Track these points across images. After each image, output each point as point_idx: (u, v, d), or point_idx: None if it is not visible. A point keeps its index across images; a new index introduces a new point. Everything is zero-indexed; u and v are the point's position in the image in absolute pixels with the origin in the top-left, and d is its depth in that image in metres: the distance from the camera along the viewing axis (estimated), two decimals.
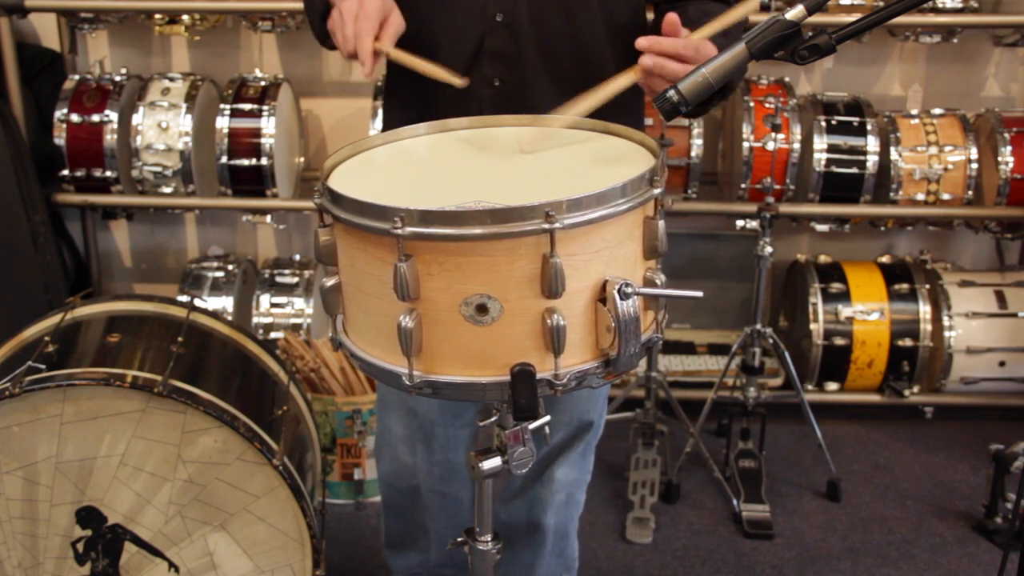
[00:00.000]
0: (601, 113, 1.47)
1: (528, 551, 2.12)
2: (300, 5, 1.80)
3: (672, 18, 1.44)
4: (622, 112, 1.50)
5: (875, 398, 3.29)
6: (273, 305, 3.29)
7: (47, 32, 3.40)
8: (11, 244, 3.09)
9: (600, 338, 1.21)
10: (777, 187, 3.12)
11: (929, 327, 3.18)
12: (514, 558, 2.16)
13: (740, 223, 3.20)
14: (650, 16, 1.82)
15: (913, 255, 3.45)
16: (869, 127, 3.14)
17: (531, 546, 2.11)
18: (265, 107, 3.15)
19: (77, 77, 3.22)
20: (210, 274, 3.34)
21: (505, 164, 1.43)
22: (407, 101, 1.79)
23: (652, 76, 1.45)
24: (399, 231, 1.13)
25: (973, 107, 3.35)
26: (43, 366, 1.80)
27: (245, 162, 3.15)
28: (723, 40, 1.52)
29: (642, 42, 1.45)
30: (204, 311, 2.16)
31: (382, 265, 1.19)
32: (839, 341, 3.20)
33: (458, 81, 1.51)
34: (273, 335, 3.21)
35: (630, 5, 1.74)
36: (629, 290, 1.17)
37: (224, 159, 3.14)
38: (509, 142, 1.48)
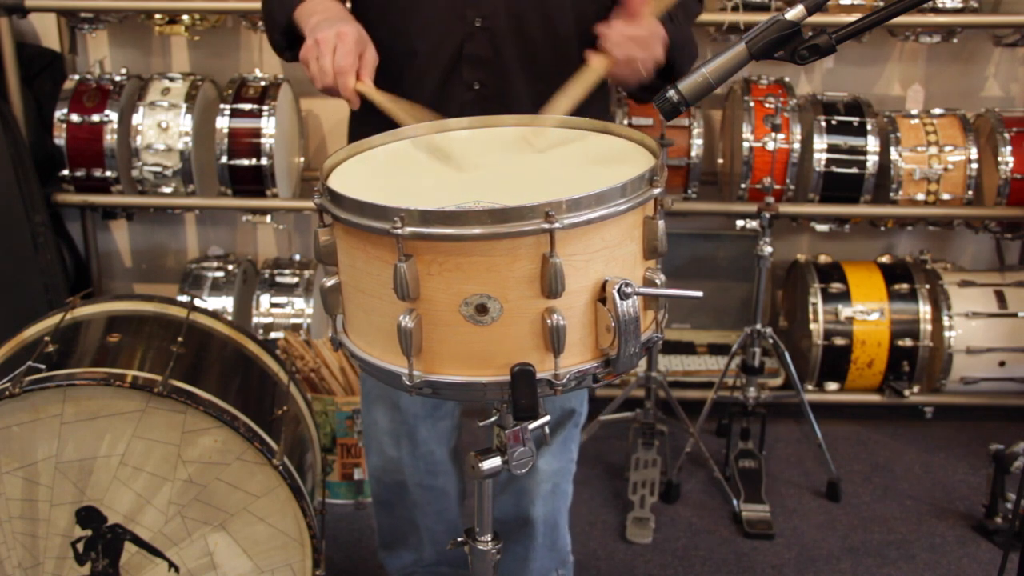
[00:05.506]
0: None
1: (520, 545, 2.13)
2: None
3: None
4: (590, 106, 1.53)
5: (875, 398, 3.29)
6: (273, 305, 3.29)
7: (47, 32, 3.40)
8: (11, 244, 3.09)
9: (600, 338, 1.21)
10: (777, 187, 3.12)
11: (929, 327, 3.18)
12: (507, 553, 2.16)
13: (740, 223, 3.20)
14: None
15: (913, 255, 3.45)
16: (869, 127, 3.14)
17: (522, 540, 2.12)
18: (265, 107, 3.15)
19: (77, 77, 3.22)
20: (210, 274, 3.34)
21: (505, 164, 1.43)
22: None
23: (619, 65, 1.51)
24: (399, 231, 1.13)
25: (973, 107, 3.35)
26: (43, 366, 1.80)
27: (245, 162, 3.15)
28: (671, 25, 1.59)
29: (603, 28, 1.51)
30: (204, 311, 2.16)
31: (382, 265, 1.19)
32: (839, 341, 3.20)
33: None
34: (273, 335, 3.21)
35: (600, 4, 1.75)
36: (629, 290, 1.17)
37: (224, 159, 3.14)
38: (509, 142, 1.48)
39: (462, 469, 2.16)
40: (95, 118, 3.14)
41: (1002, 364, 3.18)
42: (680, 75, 1.68)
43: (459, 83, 1.72)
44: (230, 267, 3.36)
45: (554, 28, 1.71)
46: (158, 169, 3.17)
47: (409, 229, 1.14)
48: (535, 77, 1.71)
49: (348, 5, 1.78)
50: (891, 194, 3.15)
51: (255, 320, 3.28)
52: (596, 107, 1.80)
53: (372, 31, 1.68)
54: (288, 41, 1.71)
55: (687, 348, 3.41)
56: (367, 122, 1.58)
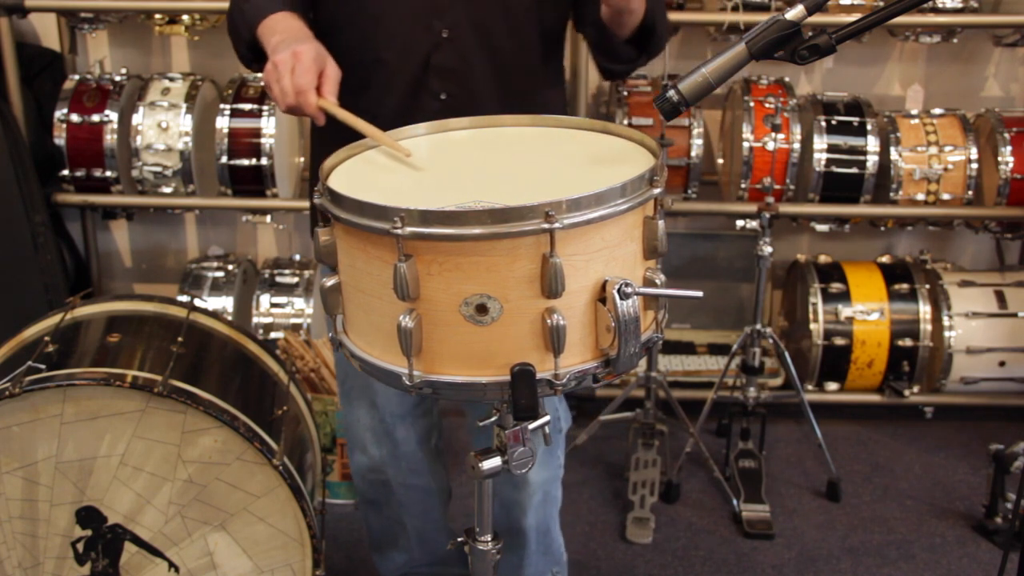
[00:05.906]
0: (526, 108, 1.53)
1: (514, 555, 2.13)
2: None
3: None
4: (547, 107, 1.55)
5: (875, 398, 3.29)
6: (273, 305, 3.29)
7: (47, 32, 3.40)
8: (11, 244, 3.09)
9: (600, 338, 1.21)
10: (777, 187, 3.12)
11: (929, 327, 3.18)
12: (500, 562, 2.16)
13: (740, 223, 3.20)
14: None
15: (913, 255, 3.46)
16: (869, 127, 3.14)
17: (516, 549, 2.12)
18: (265, 107, 3.15)
19: (77, 77, 3.22)
20: (210, 274, 3.34)
21: (505, 164, 1.43)
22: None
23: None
24: (399, 231, 1.13)
25: (973, 107, 3.35)
26: (43, 366, 1.80)
27: (245, 162, 3.15)
28: None
29: None
30: (204, 311, 2.16)
31: (382, 265, 1.19)
32: (839, 341, 3.20)
33: (406, 152, 1.43)
34: (273, 335, 3.21)
35: (557, 11, 1.78)
36: (629, 290, 1.17)
37: (224, 159, 3.14)
38: (509, 142, 1.48)
39: (444, 468, 2.16)
40: (95, 118, 3.14)
41: (1002, 364, 3.18)
42: (659, 39, 1.72)
43: (427, 93, 1.74)
44: (230, 267, 3.36)
45: (519, 38, 1.73)
46: (158, 169, 3.17)
47: (409, 229, 1.14)
48: (502, 87, 1.72)
49: (317, 10, 1.78)
50: (891, 194, 3.15)
51: (255, 320, 3.28)
52: (554, 104, 1.84)
53: (340, 37, 1.68)
54: (254, 54, 1.71)
55: (687, 348, 3.41)
56: (328, 141, 1.53)
